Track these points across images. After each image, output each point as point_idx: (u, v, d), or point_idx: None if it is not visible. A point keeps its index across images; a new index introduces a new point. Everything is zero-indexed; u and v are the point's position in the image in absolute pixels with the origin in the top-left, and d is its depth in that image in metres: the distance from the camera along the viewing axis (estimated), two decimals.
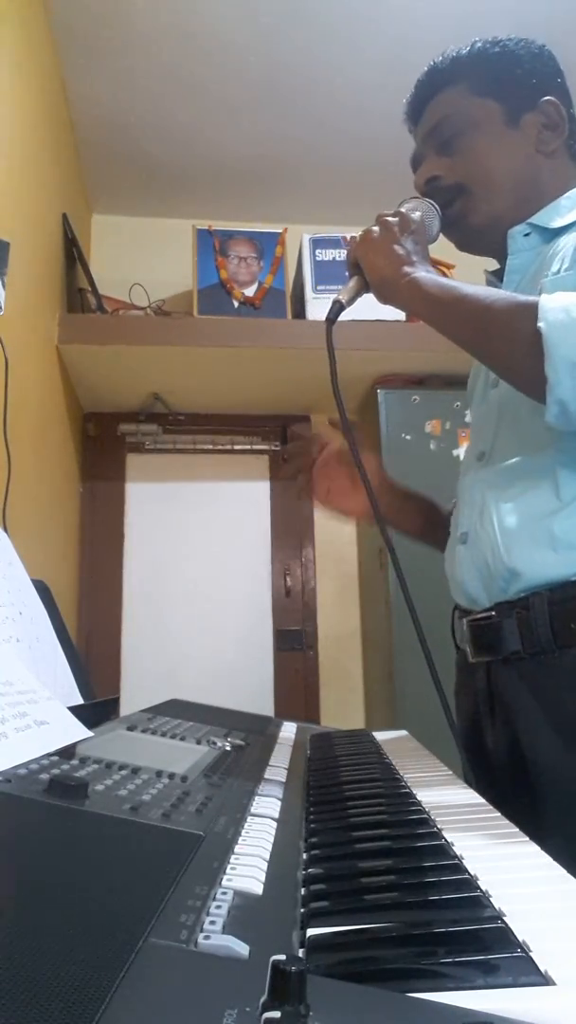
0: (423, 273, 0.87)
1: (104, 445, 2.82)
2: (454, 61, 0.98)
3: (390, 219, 0.92)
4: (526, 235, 0.93)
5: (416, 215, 0.94)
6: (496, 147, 0.94)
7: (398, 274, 0.87)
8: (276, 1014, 0.25)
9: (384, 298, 0.91)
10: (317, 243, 2.47)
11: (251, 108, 2.43)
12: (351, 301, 0.94)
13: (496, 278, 1.00)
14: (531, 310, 0.74)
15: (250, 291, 2.47)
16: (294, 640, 2.77)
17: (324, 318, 0.95)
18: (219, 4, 2.06)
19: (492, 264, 1.03)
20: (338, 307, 0.94)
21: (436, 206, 0.96)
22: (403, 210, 0.94)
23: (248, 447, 2.92)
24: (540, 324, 0.72)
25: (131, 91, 2.35)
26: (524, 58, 0.96)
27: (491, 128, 0.95)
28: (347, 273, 0.95)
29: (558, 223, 0.91)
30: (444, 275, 0.93)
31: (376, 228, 0.92)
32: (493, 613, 0.88)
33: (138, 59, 2.23)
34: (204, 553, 2.81)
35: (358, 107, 2.41)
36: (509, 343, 0.78)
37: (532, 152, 0.94)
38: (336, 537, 2.86)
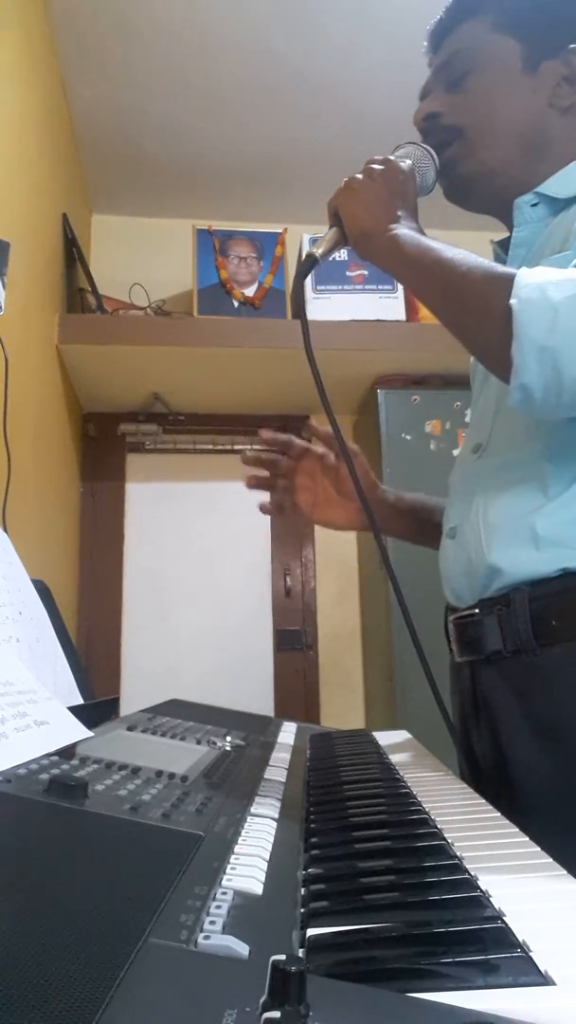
0: (405, 230, 0.81)
1: (104, 445, 2.82)
2: None
3: (376, 167, 0.85)
4: (533, 205, 0.87)
5: (407, 163, 0.87)
6: (505, 91, 0.87)
7: (379, 229, 0.82)
8: (276, 1014, 0.25)
9: (363, 253, 0.86)
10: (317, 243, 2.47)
11: (251, 108, 2.43)
12: (326, 255, 0.88)
13: (502, 250, 0.94)
14: (507, 283, 0.69)
15: (250, 291, 2.47)
16: (294, 640, 2.77)
17: (296, 281, 0.93)
18: (219, 4, 2.06)
19: (497, 232, 0.97)
20: (311, 261, 0.88)
21: (432, 152, 0.90)
22: (392, 158, 0.87)
23: (248, 447, 2.92)
24: (512, 301, 0.67)
25: (131, 91, 2.35)
26: (561, 3, 0.88)
27: (505, 70, 0.87)
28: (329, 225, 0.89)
29: (567, 193, 0.85)
30: None
31: (360, 176, 0.86)
32: (476, 611, 0.86)
33: (138, 59, 2.23)
34: (204, 553, 2.81)
35: (358, 107, 2.41)
36: (480, 317, 0.73)
37: (544, 105, 0.87)
38: (336, 537, 2.86)
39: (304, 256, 0.88)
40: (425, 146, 0.90)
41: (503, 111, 0.88)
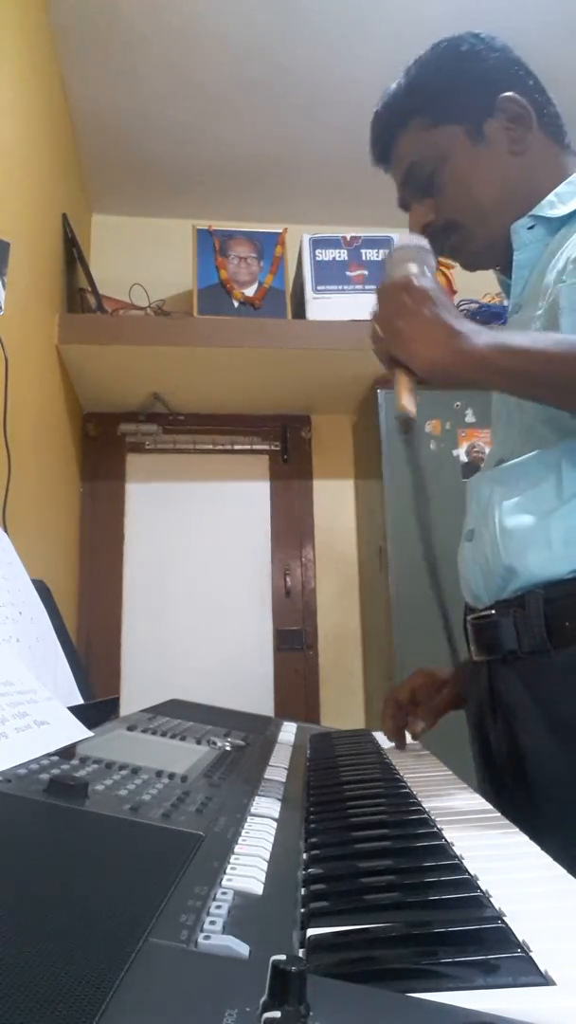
0: (476, 342, 0.75)
1: (104, 445, 2.81)
2: (400, 98, 0.96)
3: (405, 298, 0.77)
4: (530, 228, 0.91)
5: (413, 268, 0.81)
6: (472, 170, 0.92)
7: (450, 357, 0.75)
8: (276, 1014, 0.25)
9: (443, 383, 0.79)
10: (317, 243, 2.47)
11: (251, 108, 2.43)
12: (412, 403, 0.79)
13: (504, 274, 0.98)
14: None
15: (250, 291, 2.47)
16: (294, 640, 2.77)
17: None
18: (219, 4, 2.06)
19: None
20: (409, 422, 0.80)
21: (423, 243, 0.87)
22: (408, 275, 0.80)
23: (248, 447, 2.92)
24: None
25: (131, 91, 2.35)
26: (466, 67, 0.93)
27: (460, 154, 0.92)
28: (390, 371, 0.82)
29: (561, 211, 0.88)
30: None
31: (390, 311, 0.78)
32: (493, 612, 0.88)
33: (138, 59, 2.23)
34: (204, 553, 2.80)
35: (358, 107, 2.40)
36: None
37: (507, 157, 0.92)
38: (336, 537, 2.86)
39: (398, 421, 0.80)
40: (415, 242, 0.87)
41: (480, 187, 0.92)
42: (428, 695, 1.03)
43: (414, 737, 1.01)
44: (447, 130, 0.93)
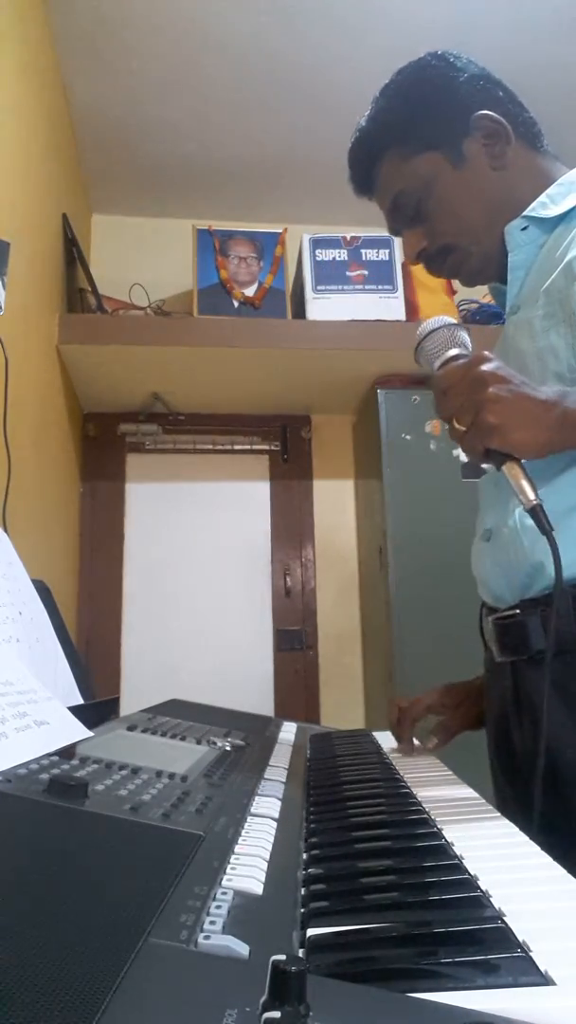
0: (570, 405, 0.72)
1: (104, 445, 2.82)
2: (373, 132, 0.98)
3: (490, 390, 0.71)
4: (523, 229, 0.91)
5: (454, 351, 0.77)
6: (458, 195, 0.93)
7: (557, 429, 0.72)
8: (276, 1014, 0.25)
9: (543, 456, 0.76)
10: (317, 243, 2.46)
11: (251, 108, 2.43)
12: (532, 488, 0.73)
13: (499, 281, 0.98)
14: None
15: (250, 291, 2.47)
16: (294, 640, 2.77)
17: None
18: (219, 4, 2.06)
19: None
20: (536, 509, 0.73)
21: (452, 322, 0.81)
22: (449, 360, 0.77)
23: (248, 447, 2.92)
24: None
25: (131, 91, 2.35)
26: (434, 92, 0.94)
27: (443, 179, 0.93)
28: (490, 466, 0.78)
29: (554, 211, 0.89)
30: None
31: (466, 402, 0.72)
32: (518, 611, 0.86)
33: (138, 60, 2.23)
34: (204, 553, 2.81)
35: (358, 107, 2.40)
36: None
37: (489, 173, 0.93)
38: (336, 537, 2.86)
39: (529, 510, 0.73)
40: (441, 323, 0.81)
41: (468, 209, 0.93)
42: (442, 713, 1.04)
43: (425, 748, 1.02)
44: (427, 158, 0.94)
